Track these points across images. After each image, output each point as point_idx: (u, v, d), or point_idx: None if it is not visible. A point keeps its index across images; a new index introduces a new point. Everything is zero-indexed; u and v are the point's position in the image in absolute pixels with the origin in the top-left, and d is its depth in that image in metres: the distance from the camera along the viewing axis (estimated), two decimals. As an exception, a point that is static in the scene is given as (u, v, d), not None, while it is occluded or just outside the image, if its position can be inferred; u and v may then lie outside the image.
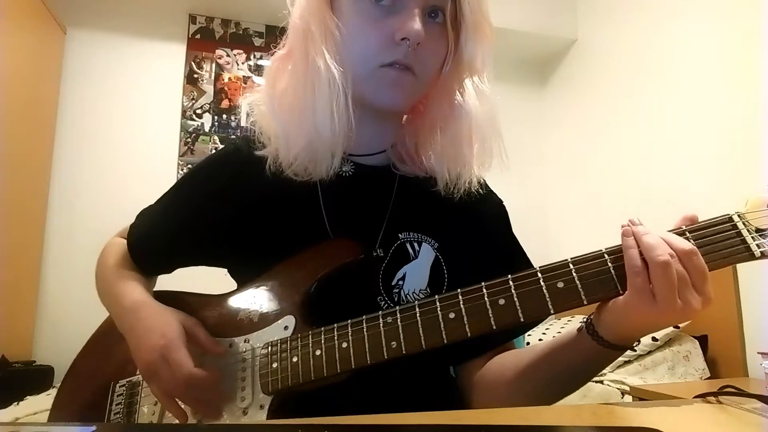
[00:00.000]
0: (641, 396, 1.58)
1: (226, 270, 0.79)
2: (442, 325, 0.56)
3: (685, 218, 0.54)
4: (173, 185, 0.81)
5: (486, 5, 0.69)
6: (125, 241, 0.80)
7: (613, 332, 0.55)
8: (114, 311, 0.73)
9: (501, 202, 0.82)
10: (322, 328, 0.61)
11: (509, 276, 0.55)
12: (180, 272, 0.81)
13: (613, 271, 0.53)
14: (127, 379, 0.71)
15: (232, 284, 0.75)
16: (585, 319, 0.59)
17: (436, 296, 0.57)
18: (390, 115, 0.74)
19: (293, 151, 0.68)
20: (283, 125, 0.69)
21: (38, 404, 1.65)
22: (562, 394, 0.65)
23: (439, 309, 0.56)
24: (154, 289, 0.78)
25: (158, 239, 0.78)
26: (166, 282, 0.81)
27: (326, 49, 0.66)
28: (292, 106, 0.69)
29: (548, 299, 0.53)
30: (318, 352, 0.59)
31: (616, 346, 0.56)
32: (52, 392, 1.85)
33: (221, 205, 0.73)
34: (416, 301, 0.58)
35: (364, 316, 0.59)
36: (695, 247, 0.49)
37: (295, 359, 0.60)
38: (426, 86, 0.71)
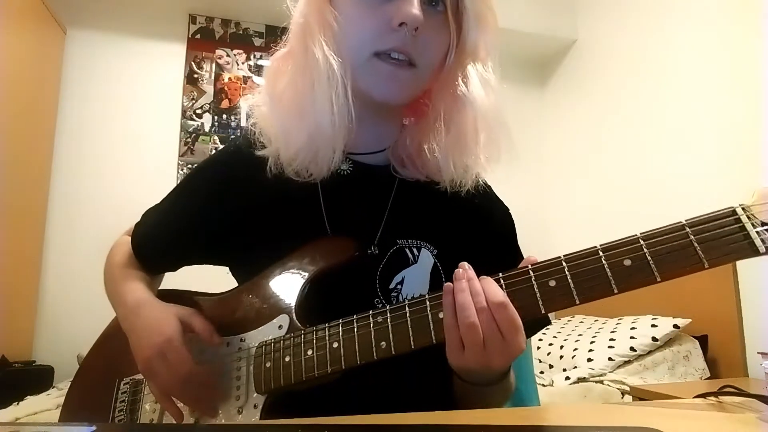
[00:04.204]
0: (641, 396, 1.58)
1: (227, 269, 0.79)
2: (431, 325, 0.55)
3: (526, 259, 0.56)
4: (177, 184, 0.82)
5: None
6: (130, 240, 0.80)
7: (459, 373, 0.59)
8: (118, 310, 0.73)
9: (507, 210, 0.80)
10: (314, 328, 0.61)
11: (500, 274, 0.55)
12: (187, 271, 0.82)
13: (608, 269, 0.51)
14: (131, 377, 0.72)
15: (234, 283, 0.75)
16: None
17: (426, 295, 0.57)
18: (389, 112, 0.74)
19: (293, 148, 0.68)
20: (283, 123, 0.68)
21: (38, 404, 1.64)
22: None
23: (428, 308, 0.56)
24: (159, 288, 0.79)
25: (161, 238, 0.78)
26: (171, 281, 0.81)
27: (324, 41, 0.65)
28: (291, 102, 0.68)
29: (539, 298, 0.52)
30: (309, 352, 0.60)
31: (476, 384, 0.60)
32: (53, 392, 1.85)
33: (222, 204, 0.73)
34: (407, 301, 0.58)
35: (354, 316, 0.59)
36: (505, 300, 0.52)
37: (287, 359, 0.61)
38: (427, 79, 0.69)
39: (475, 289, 0.53)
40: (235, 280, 0.76)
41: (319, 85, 0.65)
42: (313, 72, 0.65)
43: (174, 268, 0.81)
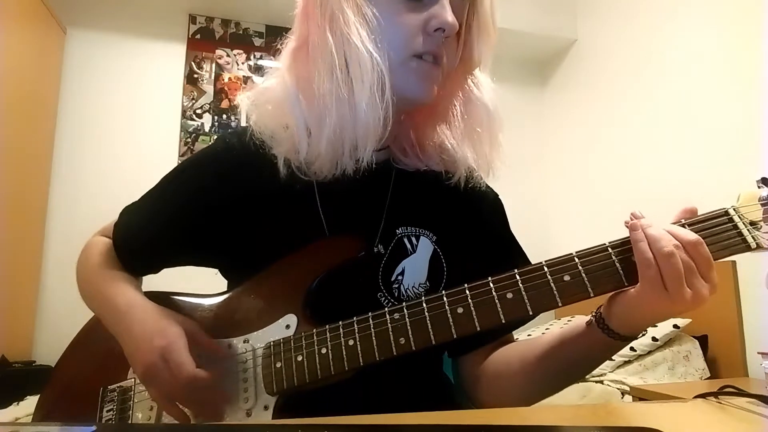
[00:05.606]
0: (641, 396, 1.58)
1: (216, 270, 0.77)
2: (450, 320, 0.56)
3: (685, 210, 0.56)
4: (159, 182, 0.77)
5: (497, 9, 0.70)
6: (108, 240, 0.77)
7: (624, 324, 0.57)
8: (105, 314, 0.70)
9: (497, 196, 0.83)
10: (327, 327, 0.60)
11: (516, 270, 0.56)
12: (168, 272, 0.78)
13: (618, 264, 0.54)
14: (118, 384, 0.69)
15: (223, 284, 0.73)
16: (594, 313, 0.60)
17: (443, 291, 0.58)
18: (404, 108, 0.73)
19: (321, 145, 0.64)
20: (310, 119, 0.65)
21: (38, 404, 1.64)
22: (568, 383, 0.67)
23: (447, 304, 0.57)
24: (144, 291, 0.74)
25: (146, 238, 0.74)
26: (153, 282, 0.77)
27: (366, 35, 0.63)
28: (323, 96, 0.64)
29: (556, 292, 0.54)
30: (324, 351, 0.59)
31: (624, 337, 0.58)
32: (52, 392, 1.85)
33: (212, 202, 0.71)
34: (423, 297, 0.58)
35: (370, 314, 0.59)
36: (700, 238, 0.52)
37: (300, 358, 0.60)
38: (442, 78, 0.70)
39: (663, 230, 0.53)
40: (225, 282, 0.74)
41: (363, 79, 0.62)
42: (352, 65, 0.62)
43: (158, 270, 0.77)
